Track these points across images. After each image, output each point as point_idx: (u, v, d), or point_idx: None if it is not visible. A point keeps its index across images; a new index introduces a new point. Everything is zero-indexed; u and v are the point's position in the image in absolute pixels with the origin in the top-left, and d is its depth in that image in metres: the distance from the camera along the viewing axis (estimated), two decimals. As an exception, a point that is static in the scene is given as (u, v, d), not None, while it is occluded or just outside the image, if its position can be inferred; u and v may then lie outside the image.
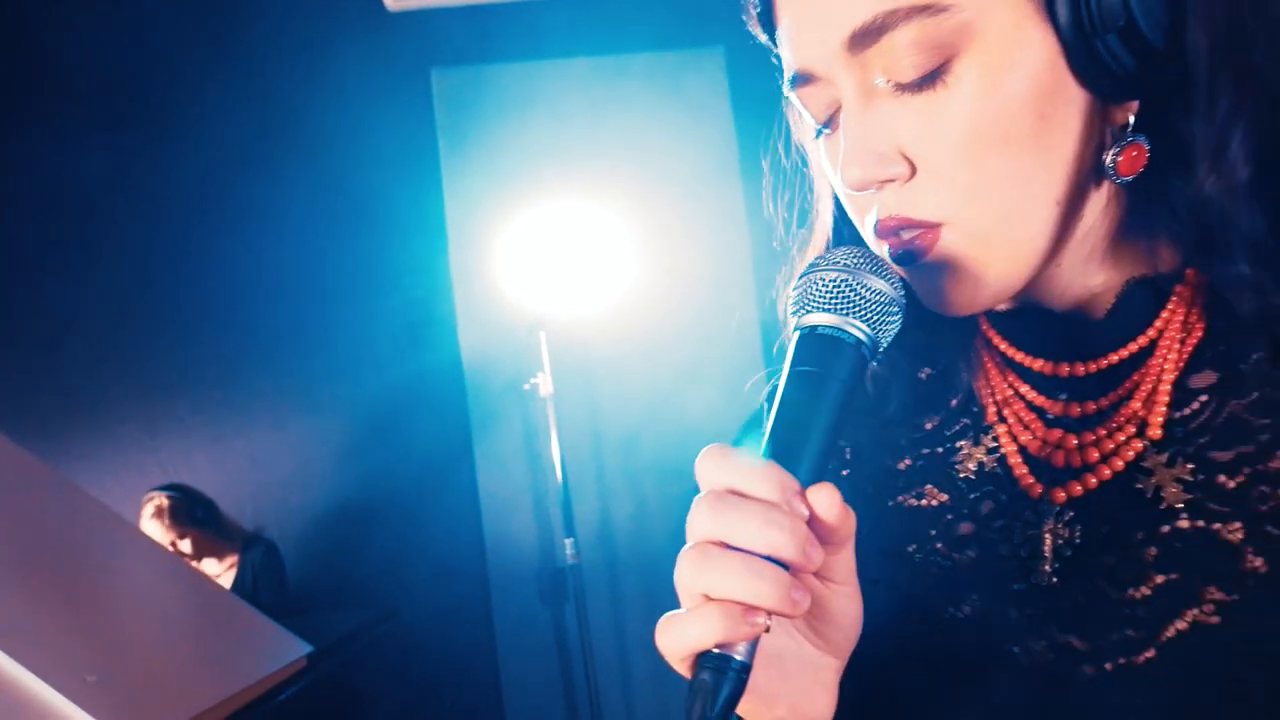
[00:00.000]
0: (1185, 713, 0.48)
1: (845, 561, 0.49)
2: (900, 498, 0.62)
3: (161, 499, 3.26)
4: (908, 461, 0.62)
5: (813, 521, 0.45)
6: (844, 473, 0.65)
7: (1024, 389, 0.59)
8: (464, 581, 3.50)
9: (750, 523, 0.43)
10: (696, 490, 0.47)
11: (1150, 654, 0.49)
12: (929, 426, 0.63)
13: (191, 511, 3.28)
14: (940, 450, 0.61)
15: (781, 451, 0.46)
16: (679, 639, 0.43)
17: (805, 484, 0.45)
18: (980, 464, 0.59)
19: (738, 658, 0.43)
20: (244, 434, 3.78)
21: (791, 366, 0.48)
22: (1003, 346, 0.61)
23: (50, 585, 1.68)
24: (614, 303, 3.21)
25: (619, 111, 3.52)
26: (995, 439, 0.59)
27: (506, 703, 3.46)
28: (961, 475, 0.60)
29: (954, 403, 0.62)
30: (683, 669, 0.44)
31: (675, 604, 0.47)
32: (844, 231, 0.64)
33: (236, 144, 3.67)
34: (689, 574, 0.44)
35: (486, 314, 3.47)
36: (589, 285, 3.21)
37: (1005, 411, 0.60)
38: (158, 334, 3.72)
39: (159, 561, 2.09)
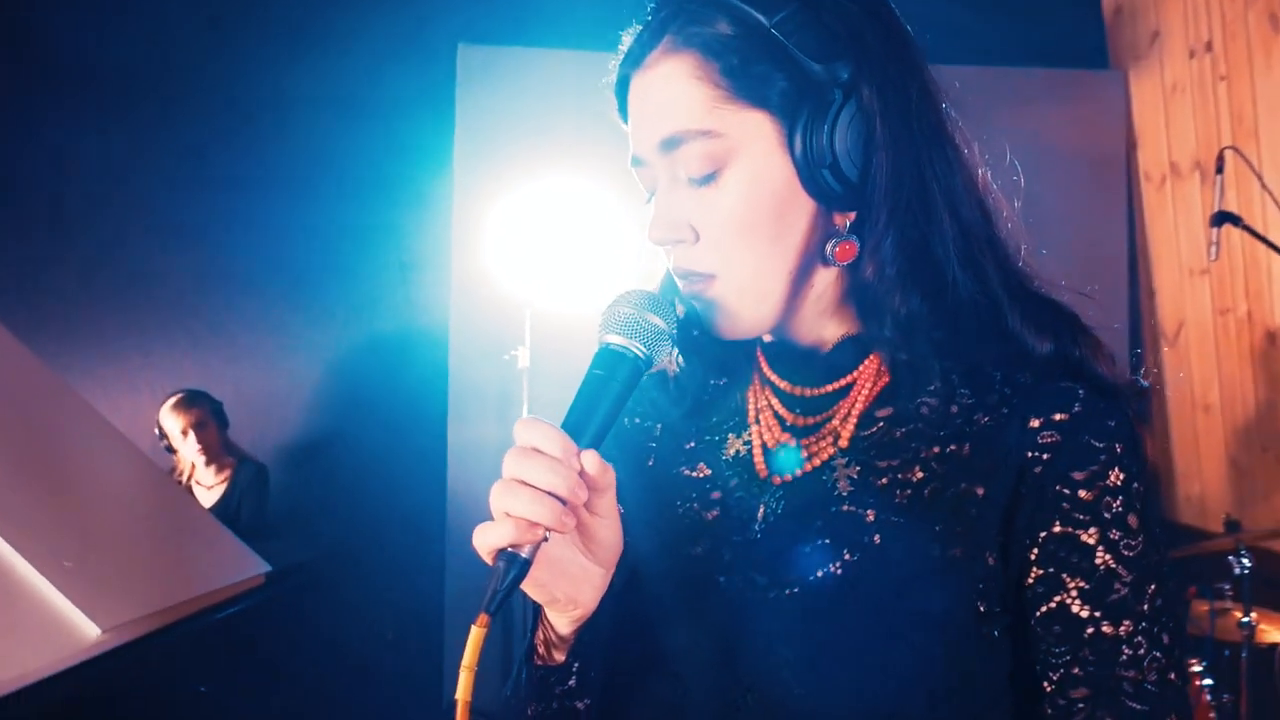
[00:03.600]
0: (812, 627, 0.71)
1: (607, 502, 0.69)
2: (683, 468, 0.84)
3: (185, 394, 3.61)
4: (693, 444, 0.84)
5: (582, 473, 0.65)
6: (651, 444, 0.87)
7: (774, 401, 0.81)
8: (423, 529, 3.67)
9: (539, 469, 0.64)
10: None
11: (796, 590, 0.72)
12: (714, 419, 0.85)
13: (213, 404, 3.62)
14: (716, 438, 0.83)
15: (572, 425, 0.67)
16: (486, 539, 0.64)
17: (585, 447, 0.66)
18: (737, 451, 0.81)
19: (523, 555, 0.64)
20: (233, 364, 3.94)
21: (590, 369, 0.70)
22: (765, 368, 0.82)
23: (37, 474, 1.84)
24: (600, 293, 3.35)
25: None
26: (750, 435, 0.81)
27: (447, 646, 3.63)
28: (724, 457, 0.82)
29: (733, 405, 0.84)
30: (489, 560, 0.64)
31: None
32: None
33: (266, 96, 3.82)
34: (496, 497, 0.64)
35: (480, 283, 3.60)
36: (580, 273, 3.36)
37: (761, 416, 0.81)
38: (163, 264, 3.87)
39: (137, 467, 2.24)
